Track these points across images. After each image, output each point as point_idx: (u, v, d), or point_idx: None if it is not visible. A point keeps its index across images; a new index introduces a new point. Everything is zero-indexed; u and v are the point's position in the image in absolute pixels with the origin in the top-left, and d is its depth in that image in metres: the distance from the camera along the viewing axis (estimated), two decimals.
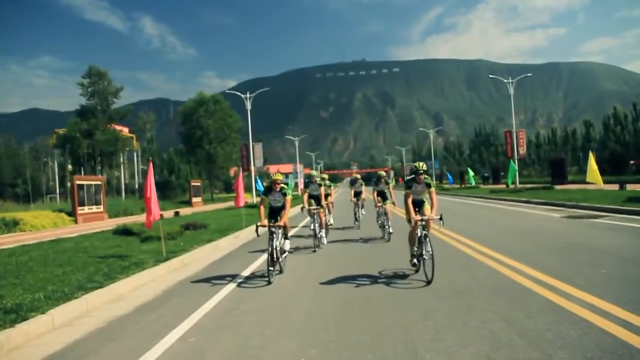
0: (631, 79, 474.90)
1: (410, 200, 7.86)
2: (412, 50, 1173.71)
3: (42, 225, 23.89)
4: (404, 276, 7.93)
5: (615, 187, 27.56)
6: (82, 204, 28.65)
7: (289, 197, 9.06)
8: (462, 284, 7.18)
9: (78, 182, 29.34)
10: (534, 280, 7.12)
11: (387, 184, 14.06)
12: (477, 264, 8.79)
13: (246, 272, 9.24)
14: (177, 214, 28.98)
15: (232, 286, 8.04)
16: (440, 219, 7.51)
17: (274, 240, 8.43)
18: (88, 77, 54.77)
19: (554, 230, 13.37)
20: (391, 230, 12.83)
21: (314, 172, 14.04)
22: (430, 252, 7.42)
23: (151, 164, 12.26)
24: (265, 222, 8.74)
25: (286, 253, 9.17)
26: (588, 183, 26.59)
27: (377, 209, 13.93)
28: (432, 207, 7.89)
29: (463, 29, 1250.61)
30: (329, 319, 5.78)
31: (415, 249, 7.84)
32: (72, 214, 27.96)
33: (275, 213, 9.10)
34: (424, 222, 7.69)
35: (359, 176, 17.35)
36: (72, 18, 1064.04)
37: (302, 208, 12.41)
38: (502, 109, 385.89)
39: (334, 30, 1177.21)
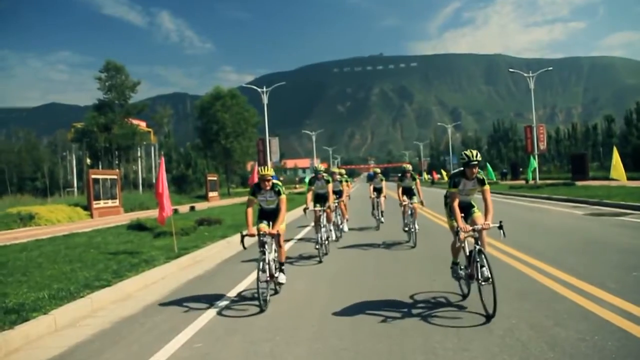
0: None
1: (456, 204, 6.00)
2: (430, 45, 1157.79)
3: (57, 220, 23.83)
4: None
5: (639, 183, 26.89)
6: (97, 198, 28.56)
7: (284, 197, 7.34)
8: None
9: (93, 176, 29.24)
10: (561, 282, 6.74)
11: (414, 179, 12.39)
12: (499, 263, 8.37)
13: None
14: (192, 208, 28.87)
15: (241, 288, 7.78)
16: (500, 227, 5.68)
17: (266, 253, 6.65)
18: (105, 72, 54.95)
19: (578, 228, 12.94)
20: (417, 231, 11.31)
21: (319, 167, 11.64)
22: (489, 275, 5.35)
23: (163, 160, 12.10)
24: (254, 229, 7.01)
25: (283, 283, 7.32)
26: (610, 179, 25.89)
27: (402, 208, 12.21)
28: (486, 212, 5.93)
29: (481, 23, 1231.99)
30: (341, 324, 5.47)
31: (463, 267, 6.12)
32: (87, 208, 27.93)
33: (267, 217, 7.45)
34: (476, 234, 5.84)
35: (378, 170, 16.20)
36: (92, 13, 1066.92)
37: (305, 209, 10.63)
38: (521, 104, 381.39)
39: (352, 25, 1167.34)
